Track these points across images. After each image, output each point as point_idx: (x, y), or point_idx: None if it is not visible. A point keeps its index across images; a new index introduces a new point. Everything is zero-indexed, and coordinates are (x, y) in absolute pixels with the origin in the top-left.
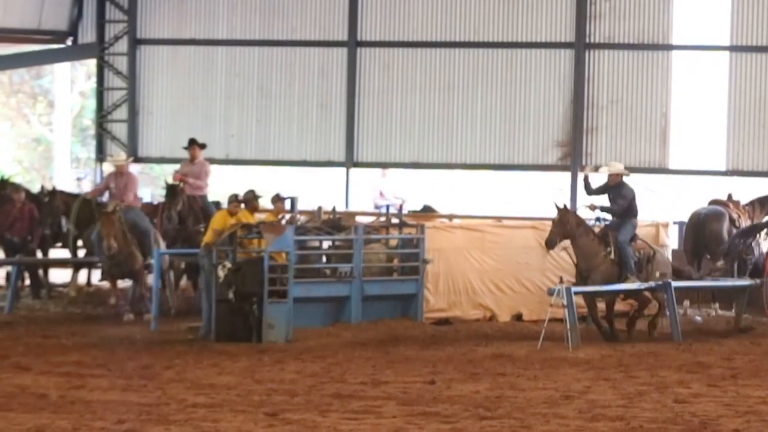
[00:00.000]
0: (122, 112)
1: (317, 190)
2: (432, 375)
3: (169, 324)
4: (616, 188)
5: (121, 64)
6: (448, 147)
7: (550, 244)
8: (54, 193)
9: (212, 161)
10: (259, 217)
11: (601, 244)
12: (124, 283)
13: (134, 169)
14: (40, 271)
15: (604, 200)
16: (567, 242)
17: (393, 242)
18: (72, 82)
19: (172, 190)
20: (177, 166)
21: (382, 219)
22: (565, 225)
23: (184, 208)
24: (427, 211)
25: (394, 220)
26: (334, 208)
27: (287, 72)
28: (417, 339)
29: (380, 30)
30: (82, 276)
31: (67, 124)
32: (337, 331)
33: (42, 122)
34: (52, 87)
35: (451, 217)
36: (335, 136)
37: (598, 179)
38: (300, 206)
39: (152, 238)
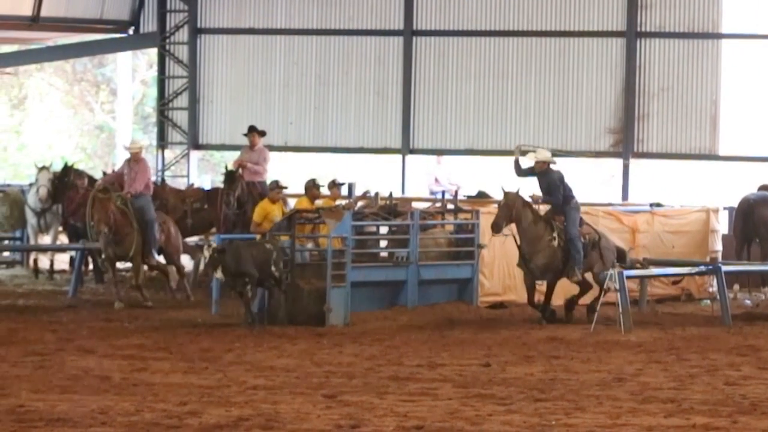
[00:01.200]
0: (183, 100)
1: (374, 177)
2: (487, 358)
3: (230, 308)
4: (543, 175)
5: (182, 52)
6: (502, 134)
7: (495, 227)
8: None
9: (271, 148)
10: (318, 203)
11: (546, 228)
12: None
13: (193, 156)
14: None
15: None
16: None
17: (448, 227)
18: (134, 71)
19: (230, 177)
20: (237, 153)
21: (438, 205)
22: (511, 208)
23: (243, 194)
24: (482, 197)
25: (450, 206)
26: (390, 194)
27: (344, 60)
28: (472, 322)
29: (435, 19)
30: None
31: (128, 112)
32: (394, 315)
33: (104, 110)
34: (115, 75)
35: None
36: (392, 123)
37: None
38: (357, 192)
39: (155, 230)
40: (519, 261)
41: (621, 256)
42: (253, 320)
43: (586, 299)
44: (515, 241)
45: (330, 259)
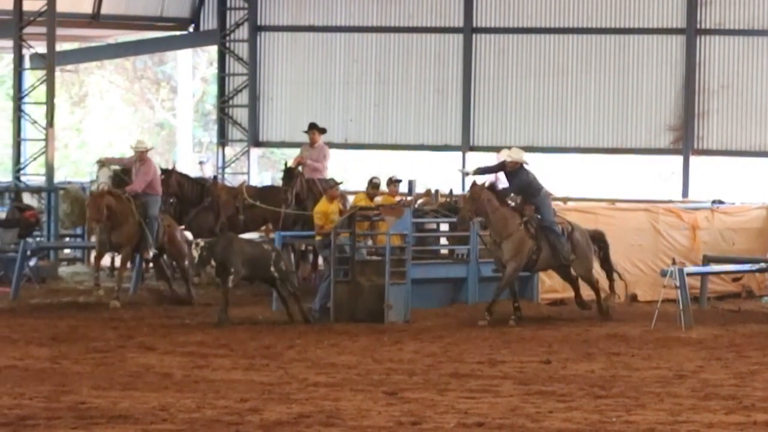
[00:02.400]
0: (243, 98)
1: (434, 174)
2: (547, 354)
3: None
4: (514, 174)
5: (242, 50)
6: (562, 131)
7: (462, 222)
8: (170, 171)
9: (331, 145)
10: (377, 200)
11: (515, 213)
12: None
13: (254, 153)
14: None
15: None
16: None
17: None
18: (194, 68)
19: (289, 173)
20: (297, 151)
21: None
22: (476, 201)
23: (303, 191)
24: None
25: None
26: (450, 191)
27: (404, 58)
28: (533, 319)
29: (495, 16)
30: None
31: (189, 110)
32: (455, 312)
33: (165, 107)
34: (175, 73)
35: (565, 199)
36: (451, 121)
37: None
38: (417, 189)
39: (156, 229)
40: (490, 248)
41: (602, 246)
42: (223, 319)
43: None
44: (483, 241)
45: (388, 256)
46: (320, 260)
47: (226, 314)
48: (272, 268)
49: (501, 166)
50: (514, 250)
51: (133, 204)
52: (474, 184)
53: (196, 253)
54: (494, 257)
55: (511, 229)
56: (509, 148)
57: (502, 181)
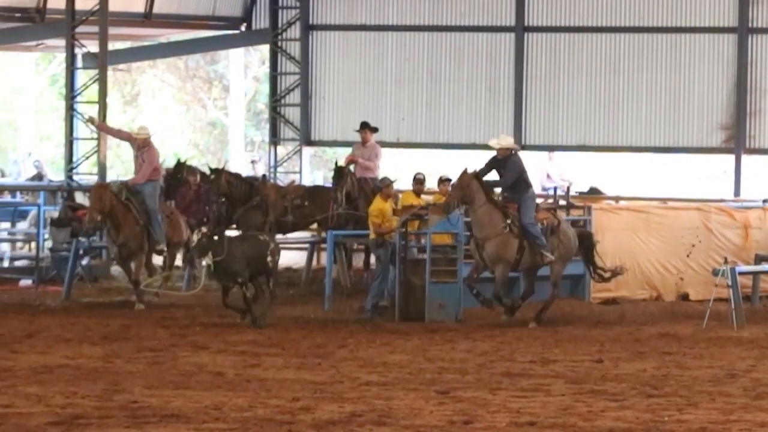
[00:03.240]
0: (295, 97)
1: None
2: (599, 354)
3: (342, 303)
4: (504, 161)
5: (294, 49)
6: (614, 130)
7: (446, 208)
8: (220, 170)
9: (383, 144)
10: (427, 199)
11: (501, 214)
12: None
13: (306, 152)
14: None
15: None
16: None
17: None
18: (246, 67)
19: (339, 172)
20: (349, 150)
21: (550, 201)
22: (464, 189)
23: (354, 190)
24: (594, 193)
25: (562, 202)
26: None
27: (456, 57)
28: (584, 318)
29: (547, 15)
30: None
31: (241, 108)
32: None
33: (217, 106)
34: (227, 72)
35: (617, 198)
36: (503, 120)
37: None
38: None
39: (157, 219)
40: (471, 247)
41: (587, 246)
42: (254, 318)
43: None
44: (512, 230)
45: (429, 255)
46: (372, 259)
47: (252, 312)
48: (269, 258)
49: (493, 162)
50: (500, 252)
51: (133, 207)
52: (464, 171)
53: (195, 237)
54: (474, 256)
55: (496, 230)
56: (498, 138)
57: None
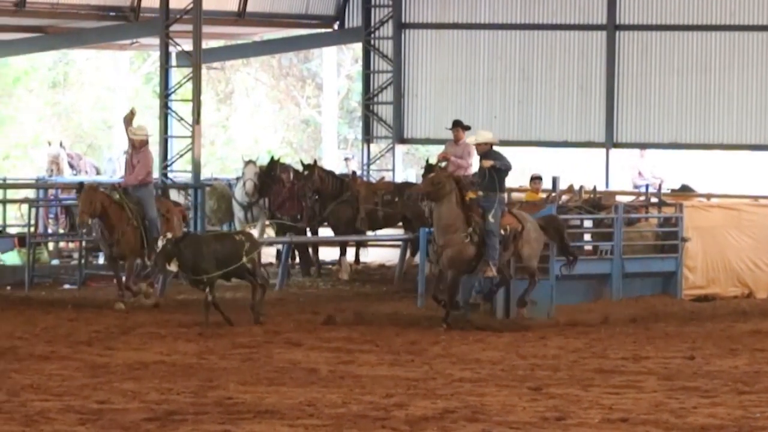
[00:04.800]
0: (388, 95)
1: (577, 170)
2: (691, 350)
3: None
4: (485, 157)
5: (387, 47)
6: (706, 127)
7: (408, 197)
8: (312, 166)
9: None
10: (519, 196)
11: (464, 221)
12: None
13: (398, 150)
14: (310, 249)
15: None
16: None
17: (652, 221)
18: (339, 66)
19: (430, 170)
20: (441, 147)
21: (642, 198)
22: (435, 186)
23: None
24: (685, 191)
25: (654, 200)
26: (594, 188)
27: (548, 55)
28: (676, 315)
29: (638, 14)
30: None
31: (334, 107)
32: (599, 308)
33: (310, 104)
34: (320, 70)
35: (708, 196)
36: (595, 118)
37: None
38: (561, 186)
39: (156, 228)
40: (430, 245)
41: (556, 228)
42: (207, 318)
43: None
44: (472, 240)
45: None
46: None
47: (207, 313)
48: (244, 258)
49: (428, 169)
50: (456, 258)
51: (127, 208)
52: (443, 169)
53: (160, 244)
54: (433, 259)
55: (456, 238)
56: (475, 134)
57: None
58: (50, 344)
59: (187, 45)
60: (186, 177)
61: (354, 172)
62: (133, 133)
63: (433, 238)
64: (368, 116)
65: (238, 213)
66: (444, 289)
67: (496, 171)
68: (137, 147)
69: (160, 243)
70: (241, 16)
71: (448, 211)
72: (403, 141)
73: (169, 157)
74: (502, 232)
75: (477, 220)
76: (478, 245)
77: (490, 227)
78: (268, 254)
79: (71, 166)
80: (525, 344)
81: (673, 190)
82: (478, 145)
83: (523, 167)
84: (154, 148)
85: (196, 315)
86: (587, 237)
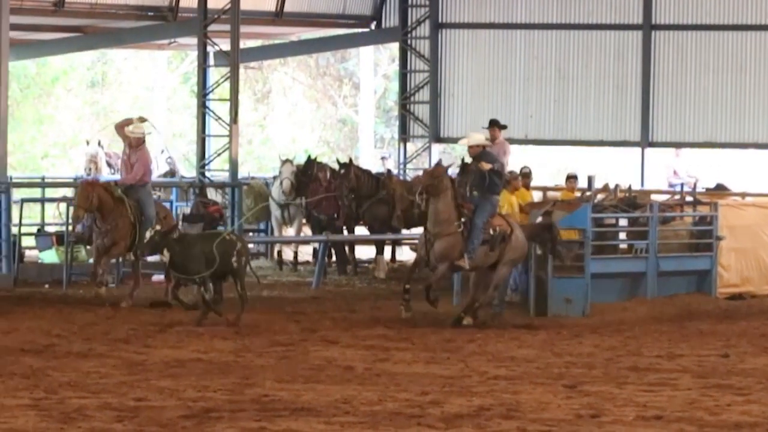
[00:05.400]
0: (424, 94)
1: (613, 169)
2: (726, 348)
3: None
4: (478, 159)
5: (423, 47)
6: (740, 127)
7: (407, 192)
8: (349, 165)
9: (511, 141)
10: (554, 195)
11: (457, 213)
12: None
13: (435, 149)
14: (346, 248)
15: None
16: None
17: (687, 219)
18: (376, 65)
19: (464, 168)
20: None
21: (677, 197)
22: (434, 179)
23: None
24: (720, 190)
25: (688, 199)
26: (629, 187)
27: (584, 54)
28: (711, 313)
29: (674, 13)
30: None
31: (371, 106)
32: (634, 306)
33: (347, 104)
34: (357, 70)
35: (743, 195)
36: (630, 117)
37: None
38: (596, 185)
39: (151, 225)
40: (421, 238)
41: (550, 237)
42: (205, 311)
43: None
44: (463, 232)
45: (552, 250)
46: None
47: (206, 308)
48: (233, 259)
49: (464, 168)
50: (448, 252)
51: (126, 204)
52: (439, 164)
53: (148, 234)
54: (419, 251)
55: (449, 228)
56: (466, 136)
57: None
58: (88, 342)
59: (224, 45)
60: (223, 176)
61: (389, 171)
62: (131, 132)
63: (425, 230)
64: (405, 115)
65: (275, 212)
66: (420, 278)
67: (494, 173)
68: (134, 146)
69: (148, 234)
70: (278, 16)
71: (445, 206)
72: (439, 140)
73: (206, 156)
74: (491, 232)
75: (467, 214)
76: (467, 240)
77: (477, 222)
78: (306, 253)
79: (109, 165)
80: (560, 342)
81: (707, 189)
82: (470, 148)
83: (559, 166)
84: (191, 147)
85: (233, 313)
86: (622, 235)
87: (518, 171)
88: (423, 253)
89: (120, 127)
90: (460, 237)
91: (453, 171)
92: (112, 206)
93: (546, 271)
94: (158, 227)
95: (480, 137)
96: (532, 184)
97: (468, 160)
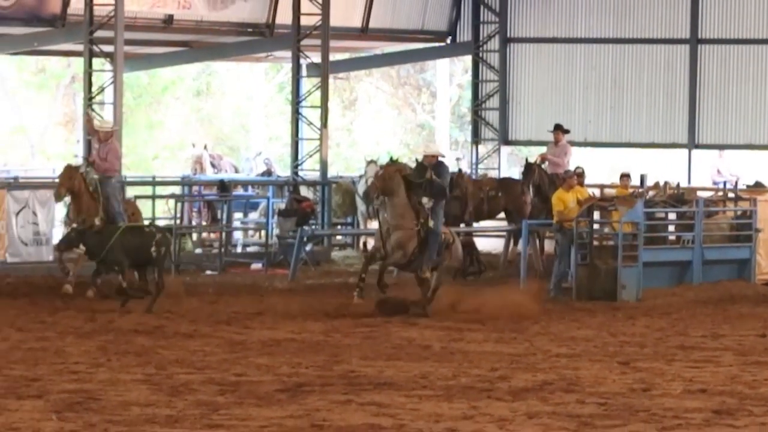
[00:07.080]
0: (494, 102)
1: (663, 169)
2: (764, 329)
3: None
4: (433, 169)
5: (494, 59)
6: None
7: (366, 197)
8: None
9: (572, 143)
10: (611, 192)
11: (414, 214)
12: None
13: (504, 150)
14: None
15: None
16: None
17: (729, 214)
18: (451, 76)
19: (528, 168)
20: (543, 148)
21: (720, 194)
22: (386, 181)
23: (544, 184)
24: (759, 187)
25: (730, 195)
26: (678, 184)
27: (637, 66)
28: (750, 298)
29: (718, 28)
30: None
31: (446, 112)
32: (681, 292)
33: (425, 110)
34: (434, 80)
35: None
36: (678, 122)
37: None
38: (648, 183)
39: (116, 222)
40: (378, 231)
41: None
42: (125, 299)
43: None
44: (420, 232)
45: (621, 242)
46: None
47: (127, 295)
48: (152, 249)
49: (421, 168)
50: (404, 243)
51: (99, 201)
52: (389, 164)
53: (65, 230)
54: (377, 242)
55: (408, 223)
56: (426, 146)
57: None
58: (193, 324)
59: (316, 57)
60: (314, 175)
61: (461, 170)
62: (99, 126)
63: (384, 222)
64: (477, 120)
65: (361, 207)
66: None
67: (433, 183)
68: (102, 140)
69: (64, 230)
70: (364, 32)
71: (400, 202)
72: (507, 142)
73: (299, 157)
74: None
75: (425, 217)
76: (421, 242)
77: (437, 229)
78: None
79: (213, 165)
80: (615, 324)
81: (747, 186)
82: (425, 157)
83: (614, 166)
84: (285, 149)
85: (322, 298)
86: (671, 228)
87: (573, 170)
88: (379, 244)
89: (88, 123)
90: (417, 235)
91: (517, 171)
92: (88, 200)
93: (604, 260)
94: (75, 225)
95: (436, 148)
96: (587, 182)
97: (531, 160)
